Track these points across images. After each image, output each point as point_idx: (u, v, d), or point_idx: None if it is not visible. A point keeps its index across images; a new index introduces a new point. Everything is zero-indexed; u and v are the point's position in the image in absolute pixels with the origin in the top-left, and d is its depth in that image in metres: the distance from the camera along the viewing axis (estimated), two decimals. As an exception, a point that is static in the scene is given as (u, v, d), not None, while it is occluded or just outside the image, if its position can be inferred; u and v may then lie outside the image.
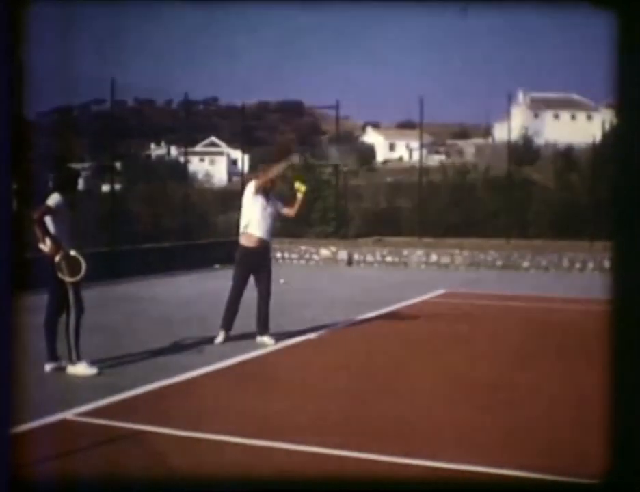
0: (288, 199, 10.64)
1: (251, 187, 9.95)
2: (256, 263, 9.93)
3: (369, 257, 22.05)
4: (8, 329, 3.16)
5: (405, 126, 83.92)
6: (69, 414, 6.62)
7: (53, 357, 8.38)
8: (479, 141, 79.20)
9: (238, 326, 10.14)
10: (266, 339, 9.90)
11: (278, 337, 10.16)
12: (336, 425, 6.48)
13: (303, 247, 22.82)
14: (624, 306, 2.65)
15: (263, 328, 9.97)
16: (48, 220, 8.17)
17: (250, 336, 10.05)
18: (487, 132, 79.98)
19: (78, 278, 8.19)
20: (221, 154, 76.48)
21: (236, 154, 62.82)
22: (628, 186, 2.66)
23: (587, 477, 4.90)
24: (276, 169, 10.04)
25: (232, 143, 68.97)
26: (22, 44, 3.15)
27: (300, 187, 10.10)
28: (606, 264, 19.40)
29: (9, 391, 3.18)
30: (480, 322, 12.21)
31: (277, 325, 10.55)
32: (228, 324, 9.97)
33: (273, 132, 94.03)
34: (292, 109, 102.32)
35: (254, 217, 9.85)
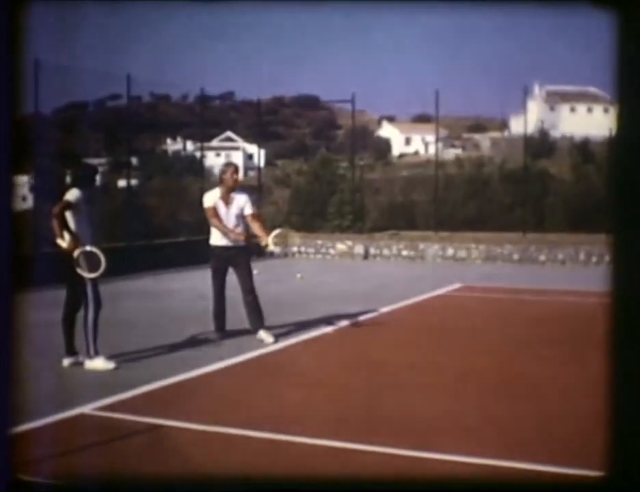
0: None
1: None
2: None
3: (385, 251, 22.04)
4: (10, 326, 3.19)
5: (421, 119, 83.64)
6: (87, 408, 6.66)
7: (71, 351, 8.43)
8: (495, 134, 78.95)
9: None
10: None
11: (295, 331, 10.19)
12: (352, 419, 6.49)
13: (319, 241, 22.82)
14: (625, 300, 2.65)
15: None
16: (67, 215, 8.21)
17: (272, 330, 10.07)
18: (503, 125, 79.67)
19: (97, 274, 8.22)
20: (237, 148, 76.50)
21: (252, 148, 62.84)
22: (627, 183, 2.66)
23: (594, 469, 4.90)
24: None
25: (247, 137, 69.01)
26: (23, 42, 3.16)
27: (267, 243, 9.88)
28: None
29: (9, 389, 3.21)
30: (496, 316, 12.19)
31: (295, 319, 10.59)
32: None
33: (288, 127, 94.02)
34: (308, 103, 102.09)
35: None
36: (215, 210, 9.83)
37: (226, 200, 9.81)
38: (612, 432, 2.69)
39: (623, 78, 2.60)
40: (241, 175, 10.27)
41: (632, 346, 2.65)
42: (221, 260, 9.85)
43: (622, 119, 2.68)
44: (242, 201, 9.83)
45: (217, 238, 9.87)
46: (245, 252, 9.97)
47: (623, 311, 2.65)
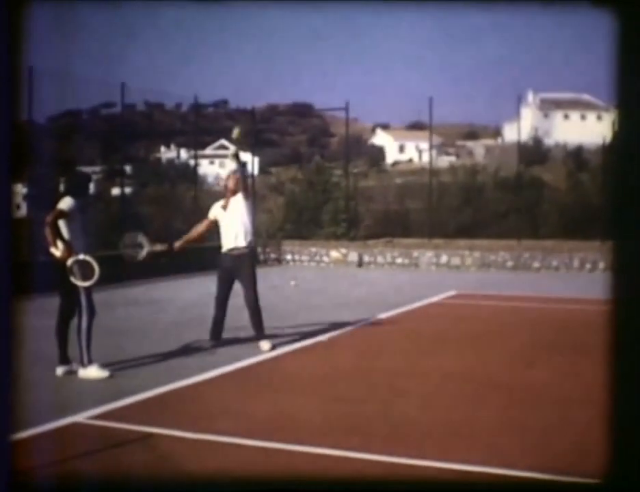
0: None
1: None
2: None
3: (379, 259, 22.05)
4: (8, 333, 3.16)
5: (415, 127, 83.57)
6: (80, 417, 6.63)
7: (64, 360, 8.40)
8: (489, 141, 79.04)
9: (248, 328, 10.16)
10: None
11: (290, 339, 10.16)
12: (346, 427, 6.47)
13: (313, 249, 22.84)
14: (624, 306, 2.64)
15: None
16: (61, 223, 8.19)
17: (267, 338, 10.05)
18: (496, 132, 79.84)
19: (91, 282, 8.20)
20: (230, 156, 76.29)
21: (246, 156, 62.76)
22: (626, 186, 2.65)
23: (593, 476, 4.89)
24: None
25: (241, 145, 68.98)
26: (22, 45, 3.14)
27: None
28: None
29: (11, 395, 3.18)
30: (491, 323, 12.19)
31: (289, 327, 10.55)
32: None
33: (283, 135, 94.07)
34: (302, 111, 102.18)
35: None
36: (208, 222, 10.12)
37: (226, 207, 9.88)
38: (611, 438, 2.68)
39: (623, 79, 2.60)
40: None
41: (631, 352, 2.64)
42: (226, 267, 9.88)
43: (621, 122, 2.68)
44: (236, 200, 9.89)
45: (225, 245, 9.93)
46: (250, 260, 9.99)
47: (623, 316, 2.64)
